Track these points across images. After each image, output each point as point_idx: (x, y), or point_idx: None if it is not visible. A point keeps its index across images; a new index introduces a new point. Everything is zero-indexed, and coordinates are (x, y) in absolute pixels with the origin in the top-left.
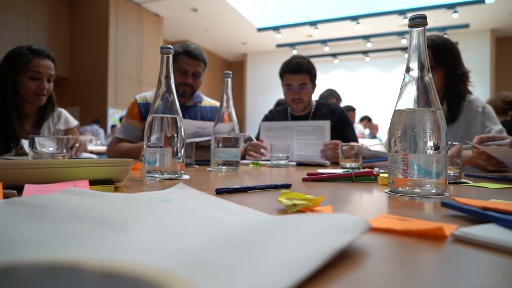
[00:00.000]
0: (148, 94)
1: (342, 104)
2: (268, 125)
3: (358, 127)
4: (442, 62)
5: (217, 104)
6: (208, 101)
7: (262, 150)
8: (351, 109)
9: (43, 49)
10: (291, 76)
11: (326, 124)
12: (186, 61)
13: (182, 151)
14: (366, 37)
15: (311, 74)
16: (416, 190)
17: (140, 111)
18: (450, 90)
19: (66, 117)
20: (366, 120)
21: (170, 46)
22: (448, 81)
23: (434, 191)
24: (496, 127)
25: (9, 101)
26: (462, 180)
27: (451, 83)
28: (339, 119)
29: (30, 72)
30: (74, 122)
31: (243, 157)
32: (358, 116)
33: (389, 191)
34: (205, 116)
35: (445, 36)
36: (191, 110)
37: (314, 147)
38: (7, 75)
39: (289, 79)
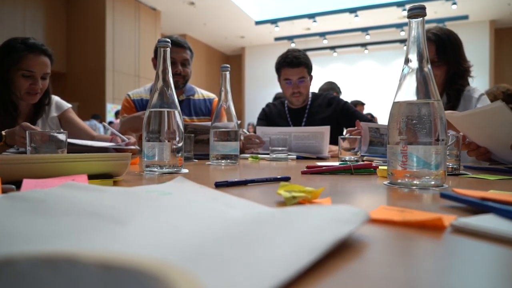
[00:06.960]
0: (140, 91)
1: (347, 98)
2: (264, 130)
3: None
4: (445, 58)
5: (211, 95)
6: (201, 93)
7: (257, 140)
8: (360, 104)
9: (39, 44)
10: (289, 70)
11: (326, 130)
12: (173, 50)
13: (181, 145)
14: (365, 30)
15: (308, 67)
16: (415, 182)
17: (136, 108)
18: (451, 85)
19: (57, 102)
20: None
21: (168, 40)
22: (449, 76)
23: (433, 182)
24: None
25: None
26: (461, 171)
27: (452, 78)
28: (337, 108)
29: (23, 70)
30: (66, 104)
31: (241, 151)
32: None
33: (388, 183)
34: (199, 109)
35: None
36: (183, 106)
37: (313, 148)
38: None
39: (287, 73)
